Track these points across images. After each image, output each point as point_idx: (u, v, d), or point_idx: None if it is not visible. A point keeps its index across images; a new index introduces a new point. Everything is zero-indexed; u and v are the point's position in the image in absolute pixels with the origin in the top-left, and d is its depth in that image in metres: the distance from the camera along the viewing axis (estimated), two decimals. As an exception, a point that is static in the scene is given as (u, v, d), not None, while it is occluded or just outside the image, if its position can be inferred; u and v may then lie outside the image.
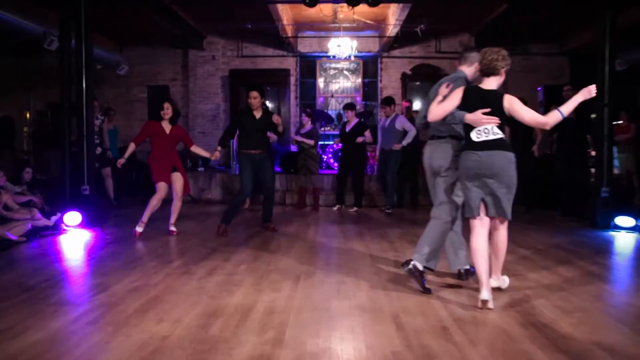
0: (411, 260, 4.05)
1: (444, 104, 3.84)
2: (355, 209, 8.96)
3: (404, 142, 8.57)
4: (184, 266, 4.83)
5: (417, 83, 12.76)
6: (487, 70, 3.77)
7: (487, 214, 3.77)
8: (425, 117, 4.07)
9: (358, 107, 12.15)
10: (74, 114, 7.29)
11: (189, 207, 9.16)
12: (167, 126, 6.39)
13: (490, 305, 3.60)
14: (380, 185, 9.16)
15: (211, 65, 12.79)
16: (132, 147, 6.36)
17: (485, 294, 3.62)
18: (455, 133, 4.05)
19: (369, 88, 12.85)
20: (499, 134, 3.68)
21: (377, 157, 9.36)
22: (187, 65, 12.87)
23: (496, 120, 3.66)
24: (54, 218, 6.76)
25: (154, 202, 6.30)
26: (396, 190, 9.09)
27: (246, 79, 12.38)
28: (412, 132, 8.50)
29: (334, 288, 4.14)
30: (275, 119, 6.35)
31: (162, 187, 6.31)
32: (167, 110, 6.35)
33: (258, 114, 6.42)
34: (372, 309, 3.65)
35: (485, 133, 3.67)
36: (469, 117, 3.71)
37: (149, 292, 3.99)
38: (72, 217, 6.87)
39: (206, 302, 3.74)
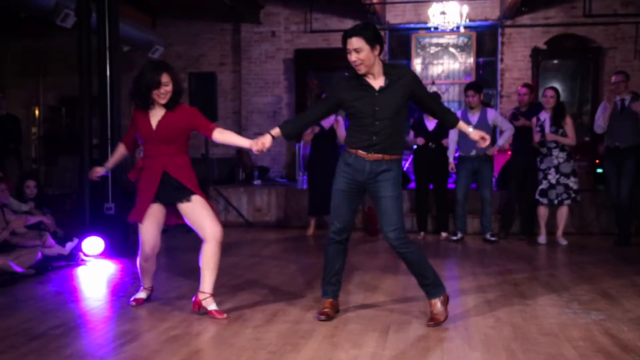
0: None
1: None
2: (446, 235, 9.11)
3: (500, 143, 8.70)
4: (236, 310, 4.93)
5: (555, 62, 12.54)
6: None
7: None
8: None
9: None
10: (96, 109, 7.58)
11: (242, 232, 9.43)
12: (156, 114, 4.76)
13: None
14: (460, 204, 8.87)
15: (270, 44, 13.15)
16: (120, 151, 5.15)
17: None
18: None
19: (486, 71, 12.76)
20: None
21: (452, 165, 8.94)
22: (239, 45, 13.29)
23: None
24: (69, 245, 7.05)
25: (141, 263, 4.99)
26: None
27: (317, 61, 12.62)
28: (509, 131, 8.58)
29: (437, 345, 4.12)
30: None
31: (143, 234, 4.82)
32: (166, 88, 4.67)
33: (378, 81, 4.57)
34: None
35: None
36: None
37: (190, 343, 4.11)
38: (93, 244, 7.16)
39: (265, 359, 3.83)
